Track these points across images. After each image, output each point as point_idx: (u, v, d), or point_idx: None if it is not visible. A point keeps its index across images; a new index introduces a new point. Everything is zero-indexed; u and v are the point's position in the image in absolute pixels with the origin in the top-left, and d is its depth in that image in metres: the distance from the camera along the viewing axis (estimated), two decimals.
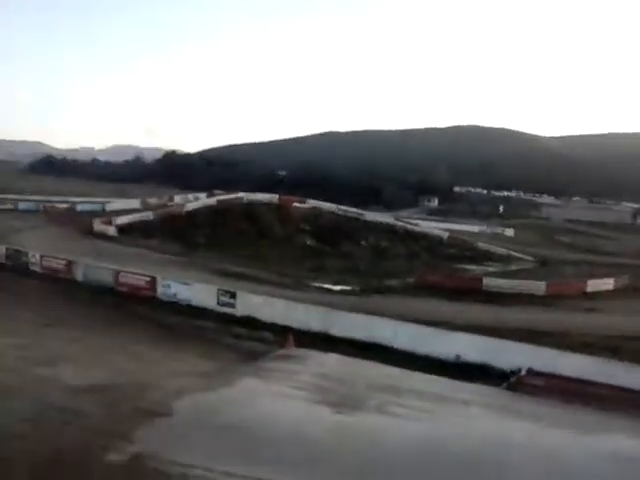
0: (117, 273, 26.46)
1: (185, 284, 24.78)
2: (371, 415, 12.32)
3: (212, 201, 61.59)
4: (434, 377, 15.92)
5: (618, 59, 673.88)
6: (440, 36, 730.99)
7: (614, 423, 13.68)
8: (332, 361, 16.70)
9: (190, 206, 59.19)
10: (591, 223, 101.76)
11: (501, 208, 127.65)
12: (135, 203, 62.53)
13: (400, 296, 31.06)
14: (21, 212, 57.21)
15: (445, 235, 64.53)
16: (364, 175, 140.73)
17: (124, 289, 25.73)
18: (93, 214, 53.64)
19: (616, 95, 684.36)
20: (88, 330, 18.97)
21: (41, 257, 29.54)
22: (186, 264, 35.92)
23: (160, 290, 24.98)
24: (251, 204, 62.64)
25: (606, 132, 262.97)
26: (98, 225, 46.80)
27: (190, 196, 67.49)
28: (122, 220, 49.66)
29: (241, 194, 64.54)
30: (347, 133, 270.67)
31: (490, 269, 49.76)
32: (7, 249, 31.52)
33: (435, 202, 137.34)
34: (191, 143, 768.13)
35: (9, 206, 59.85)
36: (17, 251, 31.24)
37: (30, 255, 30.05)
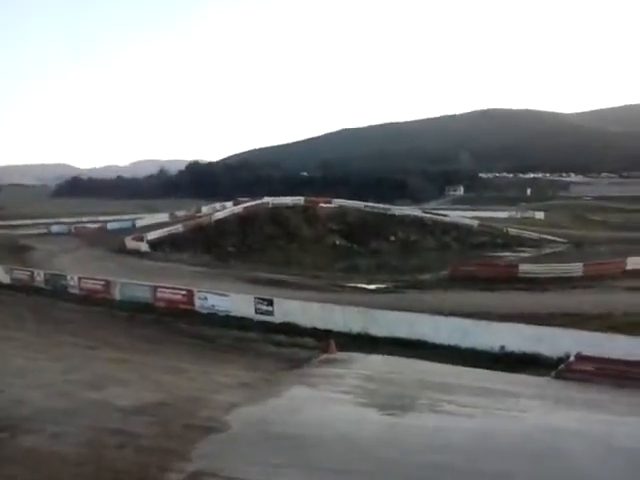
0: (154, 289, 26.75)
1: (222, 295, 24.93)
2: (423, 415, 12.20)
3: (239, 209, 61.94)
4: (481, 371, 15.73)
5: None
6: (452, 20, 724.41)
7: None
8: (376, 362, 16.62)
9: (218, 215, 59.62)
10: (623, 198, 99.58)
11: (529, 191, 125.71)
12: (164, 217, 63.36)
13: (435, 290, 30.79)
14: (54, 235, 58.28)
15: (475, 223, 63.76)
16: (385, 170, 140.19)
17: (162, 304, 26.01)
18: (124, 232, 54.30)
19: None
20: (131, 349, 19.17)
21: (79, 279, 30.03)
22: (219, 275, 36.16)
23: (198, 303, 25.18)
24: (277, 208, 62.83)
25: (632, 103, 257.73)
26: (130, 242, 47.44)
27: (217, 205, 68.02)
28: (153, 235, 50.25)
29: (266, 199, 64.77)
30: (365, 128, 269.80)
31: (523, 255, 49.04)
32: (45, 274, 32.08)
33: (461, 191, 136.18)
34: (212, 152, 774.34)
35: (43, 230, 61.09)
36: (55, 275, 31.78)
37: (68, 278, 30.57)
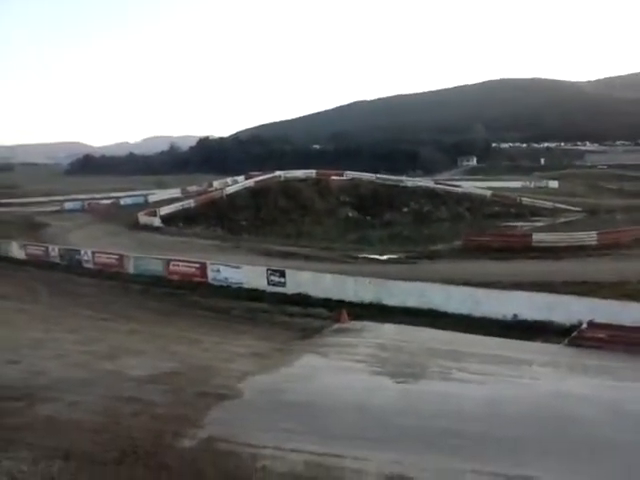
0: (167, 262, 26.89)
1: (234, 267, 25.00)
2: (435, 382, 12.26)
3: (250, 183, 61.84)
4: (493, 339, 15.74)
5: None
6: None
7: None
8: (388, 331, 16.67)
9: (229, 190, 59.59)
10: (638, 166, 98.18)
11: (542, 160, 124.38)
12: (176, 192, 63.42)
13: (448, 260, 30.66)
14: (68, 212, 58.65)
15: (488, 193, 63.28)
16: (398, 141, 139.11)
17: (175, 277, 26.16)
18: (136, 207, 54.52)
19: None
20: (145, 321, 19.37)
21: (93, 254, 30.26)
22: (232, 248, 36.25)
23: (211, 275, 25.29)
24: (289, 182, 62.69)
25: None
26: (143, 217, 47.61)
27: (228, 180, 67.96)
28: (165, 210, 50.39)
29: (278, 173, 64.60)
30: (375, 100, 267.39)
31: (537, 224, 48.70)
32: (60, 249, 32.35)
33: (474, 161, 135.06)
34: (223, 127, 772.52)
35: (56, 207, 61.47)
36: (70, 250, 32.05)
37: (82, 253, 30.81)
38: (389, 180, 66.97)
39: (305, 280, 22.85)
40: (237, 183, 63.73)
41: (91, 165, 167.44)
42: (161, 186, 76.54)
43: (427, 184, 67.62)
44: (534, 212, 55.84)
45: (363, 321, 17.70)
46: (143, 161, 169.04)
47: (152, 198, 61.42)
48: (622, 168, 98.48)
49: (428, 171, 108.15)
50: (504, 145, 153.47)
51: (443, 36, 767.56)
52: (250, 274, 24.44)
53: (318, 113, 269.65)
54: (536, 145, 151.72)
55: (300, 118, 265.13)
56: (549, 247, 32.15)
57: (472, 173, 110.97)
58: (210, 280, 25.25)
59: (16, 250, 34.16)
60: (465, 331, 16.55)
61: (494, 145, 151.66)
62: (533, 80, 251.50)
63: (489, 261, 29.07)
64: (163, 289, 24.78)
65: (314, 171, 66.65)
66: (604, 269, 26.13)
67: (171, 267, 26.63)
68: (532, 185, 79.59)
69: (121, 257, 29.11)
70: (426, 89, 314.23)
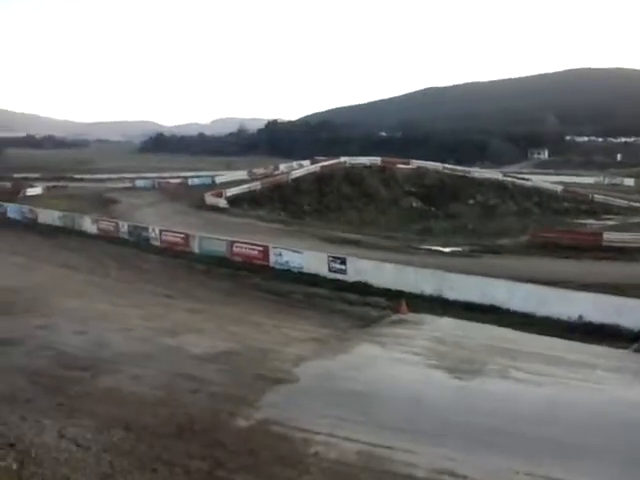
0: (231, 244, 27.32)
1: (296, 252, 25.14)
2: (492, 380, 12.05)
3: (316, 168, 61.88)
4: (556, 340, 15.27)
5: None
6: None
7: None
8: (447, 325, 16.46)
9: (295, 174, 59.87)
10: None
11: (619, 156, 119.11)
12: (242, 174, 64.27)
13: (513, 255, 29.87)
14: (138, 189, 60.47)
15: (558, 188, 61.18)
16: (467, 130, 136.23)
17: (238, 259, 26.54)
18: (204, 187, 55.63)
19: None
20: (207, 301, 19.78)
21: (160, 232, 31.06)
22: (295, 232, 36.50)
23: (272, 259, 25.53)
24: (354, 168, 62.34)
25: None
26: (209, 198, 48.51)
27: (294, 164, 68.23)
28: (231, 192, 51.13)
29: (344, 159, 64.35)
30: (448, 88, 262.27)
31: (610, 223, 46.80)
32: (129, 225, 33.39)
33: (545, 154, 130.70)
34: (292, 110, 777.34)
35: (127, 184, 63.52)
36: (138, 227, 33.02)
37: (150, 230, 31.69)
38: (456, 170, 65.61)
39: (366, 268, 22.75)
40: (303, 167, 63.98)
41: (162, 144, 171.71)
42: (229, 167, 77.82)
43: (495, 176, 65.91)
44: (607, 210, 53.64)
45: (422, 313, 17.53)
46: (212, 142, 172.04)
47: (219, 179, 62.53)
48: None
49: (497, 162, 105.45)
50: (579, 138, 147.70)
51: (524, 22, 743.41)
52: (311, 259, 24.52)
53: (388, 99, 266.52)
54: (613, 139, 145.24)
55: (369, 104, 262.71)
56: (620, 247, 30.82)
57: (543, 167, 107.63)
58: (272, 263, 25.49)
59: (88, 224, 35.47)
60: (527, 330, 16.11)
61: (568, 138, 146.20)
62: (614, 69, 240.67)
63: (556, 259, 28.15)
64: (226, 270, 25.19)
65: (379, 158, 66.08)
66: None
67: (234, 248, 27.04)
68: (606, 182, 76.54)
69: (187, 236, 29.77)
70: (503, 77, 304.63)
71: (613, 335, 16.15)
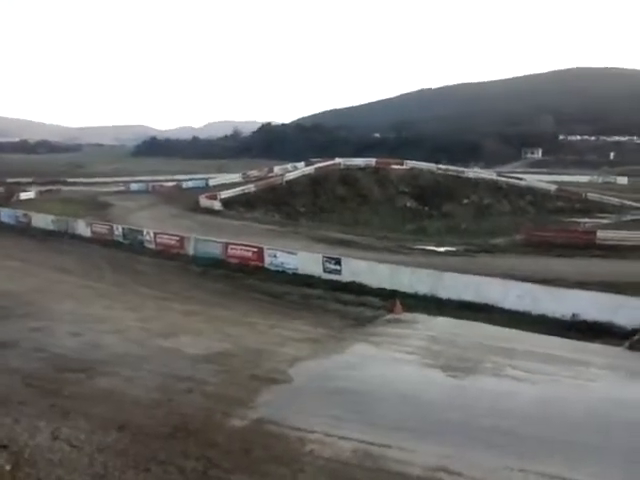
0: (226, 246, 27.33)
1: (291, 253, 25.17)
2: (487, 378, 12.07)
3: (310, 169, 62.07)
4: (550, 338, 15.28)
5: None
6: None
7: None
8: (442, 324, 16.48)
9: (289, 176, 59.98)
10: None
11: (612, 155, 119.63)
12: (236, 177, 64.35)
13: (507, 254, 29.98)
14: (132, 193, 60.42)
15: (552, 188, 61.49)
16: (461, 131, 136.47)
17: (233, 260, 26.55)
18: (198, 190, 55.65)
19: None
20: (202, 302, 19.78)
21: (155, 234, 31.03)
22: (289, 233, 36.56)
23: (267, 260, 25.53)
24: (348, 169, 62.56)
25: None
26: (204, 200, 48.55)
27: (289, 166, 68.35)
28: (226, 194, 51.20)
29: (338, 160, 64.56)
30: (441, 89, 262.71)
31: (603, 221, 46.98)
32: (123, 229, 33.34)
33: (539, 153, 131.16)
34: (285, 113, 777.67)
35: (122, 188, 63.46)
36: (132, 230, 32.98)
37: (145, 233, 31.66)
38: (450, 171, 65.85)
39: (360, 269, 22.78)
40: (297, 169, 64.07)
41: (156, 147, 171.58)
42: (222, 170, 77.80)
43: (489, 176, 66.17)
44: (600, 209, 53.87)
45: (416, 313, 17.55)
46: (206, 145, 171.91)
47: (213, 182, 62.62)
48: None
49: (491, 163, 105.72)
50: (572, 137, 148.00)
51: (517, 23, 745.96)
52: (306, 260, 24.55)
53: (381, 101, 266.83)
54: (606, 138, 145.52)
55: (362, 106, 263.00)
56: (614, 246, 30.97)
57: (536, 166, 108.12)
58: (267, 265, 25.50)
59: (82, 228, 35.40)
60: (521, 328, 16.12)
61: (561, 137, 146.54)
62: (607, 69, 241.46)
63: (550, 258, 28.26)
64: (221, 271, 25.21)
65: (374, 160, 66.23)
66: None
67: (229, 250, 27.05)
68: (599, 180, 76.87)
69: (181, 239, 29.76)
70: (495, 78, 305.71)
71: (607, 333, 16.20)
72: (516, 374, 12.26)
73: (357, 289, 21.45)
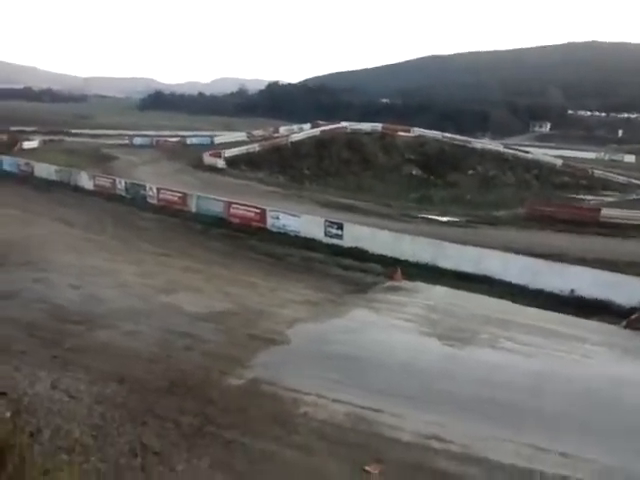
0: (228, 205, 27.28)
1: (293, 216, 25.15)
2: (482, 349, 12.18)
3: (316, 132, 61.55)
4: (547, 313, 15.37)
5: None
6: None
7: None
8: (441, 293, 16.57)
9: (295, 137, 59.50)
10: None
11: (620, 132, 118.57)
12: (241, 135, 63.87)
13: (509, 227, 29.96)
14: (136, 147, 60.02)
15: (558, 162, 61.03)
16: (469, 100, 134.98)
17: (235, 220, 26.55)
18: (202, 147, 55.27)
19: None
20: (203, 260, 19.84)
21: (157, 190, 30.95)
22: (293, 196, 36.47)
23: (269, 222, 25.53)
24: (355, 134, 62.01)
25: None
26: (207, 158, 48.28)
27: (294, 127, 67.82)
28: (230, 153, 50.85)
29: (344, 124, 63.96)
30: (451, 56, 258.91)
31: (608, 199, 46.76)
32: (126, 183, 33.23)
33: (547, 127, 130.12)
34: (293, 73, 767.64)
35: (125, 141, 63.04)
36: (135, 184, 32.88)
37: (147, 188, 31.57)
38: (457, 140, 65.27)
39: (362, 235, 22.79)
40: (303, 131, 63.54)
41: (162, 101, 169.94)
42: (228, 128, 77.19)
43: (496, 147, 65.68)
44: (606, 186, 53.56)
45: (416, 281, 17.62)
46: (212, 101, 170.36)
47: (218, 139, 62.21)
48: None
49: (498, 134, 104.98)
50: (581, 112, 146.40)
51: None
52: (308, 224, 24.55)
53: (390, 65, 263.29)
54: (616, 115, 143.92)
55: (371, 69, 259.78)
56: (618, 224, 30.89)
57: (544, 140, 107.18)
58: (269, 226, 25.51)
59: (85, 180, 35.30)
60: (520, 302, 16.24)
61: (570, 112, 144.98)
62: (621, 44, 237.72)
63: (552, 233, 28.23)
64: (223, 230, 25.24)
65: (380, 125, 65.60)
66: None
67: (232, 210, 27.01)
68: (606, 157, 76.39)
69: (184, 195, 29.70)
70: (506, 48, 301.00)
71: (605, 310, 16.31)
72: (512, 346, 12.37)
73: (358, 255, 21.50)
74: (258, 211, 26.24)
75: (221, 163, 47.84)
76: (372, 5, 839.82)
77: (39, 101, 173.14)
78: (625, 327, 14.92)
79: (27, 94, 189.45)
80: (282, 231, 24.92)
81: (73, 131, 72.85)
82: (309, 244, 23.04)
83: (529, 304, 16.14)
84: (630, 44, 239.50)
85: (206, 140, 62.47)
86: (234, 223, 26.32)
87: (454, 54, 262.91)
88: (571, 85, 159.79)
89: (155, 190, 31.05)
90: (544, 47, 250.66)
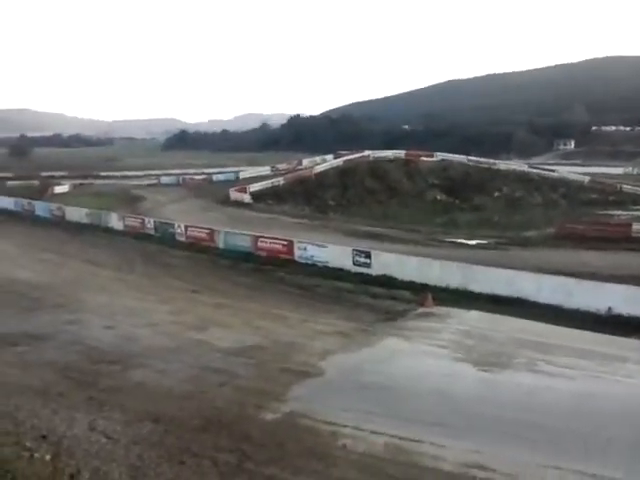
0: (256, 239, 27.43)
1: (321, 246, 25.17)
2: (520, 373, 11.92)
3: (339, 162, 61.80)
4: (585, 332, 15.02)
5: None
6: None
7: None
8: (474, 318, 16.31)
9: (318, 168, 59.83)
10: None
11: None
12: (266, 170, 64.46)
13: (540, 248, 29.50)
14: (163, 186, 61.01)
15: (585, 179, 60.18)
16: (491, 122, 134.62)
17: (263, 254, 26.65)
18: (228, 183, 55.92)
19: None
20: (232, 295, 19.89)
21: (186, 227, 31.31)
22: (319, 226, 36.53)
23: (297, 253, 25.58)
24: (377, 162, 62.05)
25: None
26: (234, 194, 48.78)
27: (317, 158, 68.16)
28: (255, 187, 51.32)
29: (367, 152, 64.13)
30: (470, 79, 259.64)
31: (638, 213, 45.95)
32: (155, 222, 33.69)
33: (572, 145, 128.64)
34: (314, 105, 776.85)
35: (154, 181, 64.19)
36: (164, 223, 33.32)
37: (176, 226, 31.96)
38: (481, 162, 64.93)
39: (390, 262, 22.67)
40: (326, 162, 63.89)
41: (186, 141, 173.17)
42: (252, 163, 78.09)
43: (521, 168, 65.09)
44: (635, 201, 52.63)
45: (448, 307, 17.41)
46: (235, 138, 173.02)
47: (243, 175, 62.86)
48: None
49: (523, 154, 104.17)
50: (606, 128, 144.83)
51: (548, 11, 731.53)
52: (336, 253, 24.52)
53: (410, 92, 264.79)
54: None
55: (392, 97, 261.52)
56: None
57: (569, 157, 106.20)
58: (296, 258, 25.54)
59: (115, 221, 35.89)
60: (555, 323, 15.89)
61: (594, 128, 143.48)
62: None
63: (584, 251, 27.74)
64: (251, 264, 25.32)
65: (403, 152, 65.71)
66: None
67: (259, 243, 27.16)
68: (635, 172, 75.09)
69: (212, 232, 29.97)
70: (526, 68, 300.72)
71: None
72: (550, 369, 12.09)
73: (387, 282, 21.36)
74: (285, 243, 26.33)
75: (247, 198, 48.29)
76: (389, 35, 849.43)
77: (68, 147, 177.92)
78: None
79: (57, 140, 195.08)
80: (310, 262, 24.92)
81: (102, 174, 74.49)
82: (337, 274, 22.99)
83: (565, 325, 15.77)
84: None
85: (231, 176, 63.18)
86: (262, 257, 26.41)
87: (473, 77, 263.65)
88: (594, 101, 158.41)
89: (183, 228, 31.42)
90: (563, 65, 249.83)
